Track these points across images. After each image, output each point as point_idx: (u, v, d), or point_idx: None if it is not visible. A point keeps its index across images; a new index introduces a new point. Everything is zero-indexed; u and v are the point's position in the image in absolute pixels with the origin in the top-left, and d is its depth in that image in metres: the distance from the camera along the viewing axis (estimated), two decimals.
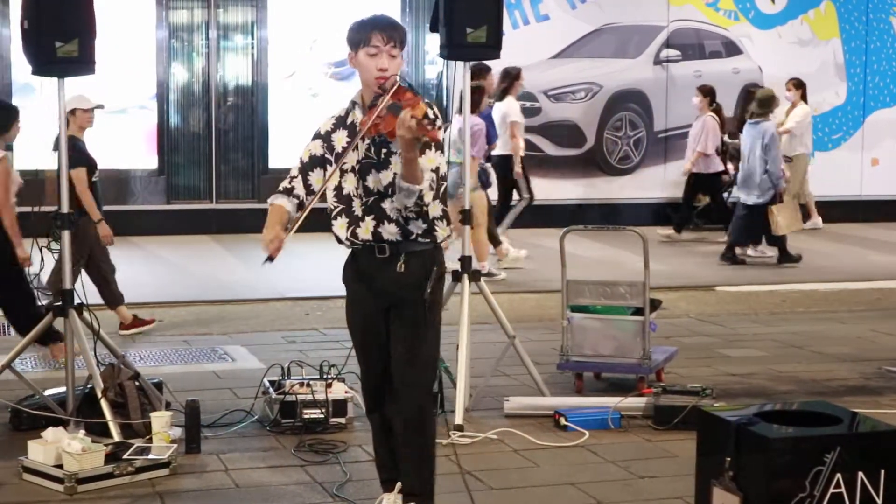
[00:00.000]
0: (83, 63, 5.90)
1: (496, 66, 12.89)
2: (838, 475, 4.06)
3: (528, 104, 15.21)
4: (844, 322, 9.49)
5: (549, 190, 14.45)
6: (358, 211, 4.52)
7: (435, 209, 4.52)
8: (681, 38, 15.95)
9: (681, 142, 15.10)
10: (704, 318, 9.59)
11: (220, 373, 7.47)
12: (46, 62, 5.90)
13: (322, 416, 6.15)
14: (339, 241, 4.62)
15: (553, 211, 14.30)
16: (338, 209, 4.58)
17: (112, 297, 8.58)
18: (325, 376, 6.36)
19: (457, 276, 6.55)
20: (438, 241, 4.58)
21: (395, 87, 4.29)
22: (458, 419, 6.13)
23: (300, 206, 4.60)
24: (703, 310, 9.96)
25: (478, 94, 10.78)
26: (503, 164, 12.15)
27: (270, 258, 4.37)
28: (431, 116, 4.26)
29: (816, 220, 15.34)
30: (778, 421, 4.30)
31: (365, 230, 4.51)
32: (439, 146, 4.50)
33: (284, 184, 4.66)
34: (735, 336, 8.86)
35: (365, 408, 4.89)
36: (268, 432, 6.12)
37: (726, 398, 6.70)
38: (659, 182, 15.79)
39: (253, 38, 14.85)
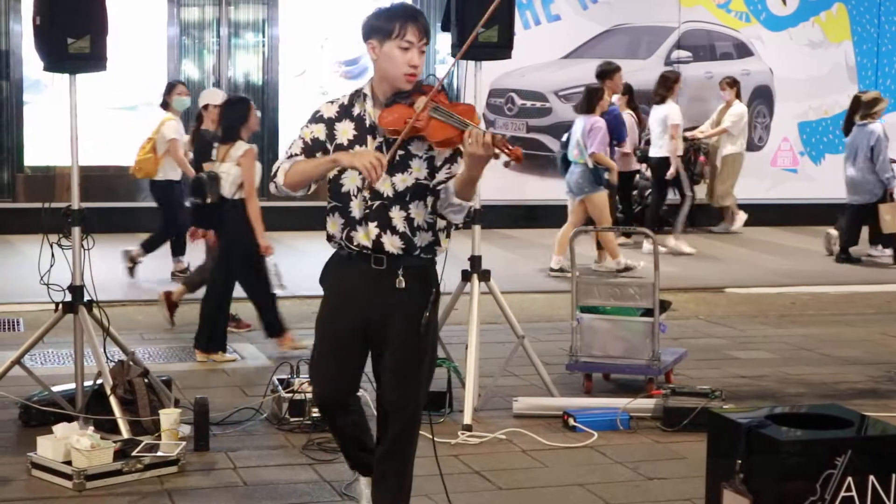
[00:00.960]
0: (95, 60, 5.90)
1: (507, 66, 12.95)
2: (849, 478, 4.06)
3: (538, 104, 15.23)
4: (854, 325, 9.47)
5: (558, 190, 14.41)
6: (356, 213, 4.21)
7: (441, 220, 4.27)
8: (692, 40, 15.94)
9: None
10: (714, 319, 9.57)
11: (229, 370, 7.47)
12: (58, 58, 5.90)
13: None
14: (330, 238, 4.32)
15: (563, 211, 14.27)
16: (331, 206, 4.28)
17: (190, 281, 8.78)
18: None
19: (466, 276, 6.54)
20: (436, 255, 4.33)
21: (436, 90, 4.06)
22: (467, 419, 6.13)
23: None
24: (712, 311, 9.95)
25: (598, 94, 11.13)
26: (663, 165, 12.74)
27: (371, 186, 4.06)
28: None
29: (737, 224, 15.04)
30: (788, 423, 4.29)
31: (364, 236, 4.21)
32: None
33: (284, 157, 4.32)
34: (744, 338, 8.85)
35: (321, 408, 4.67)
36: (276, 430, 6.12)
37: (735, 400, 6.69)
38: None
39: (264, 36, 14.87)
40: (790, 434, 4.19)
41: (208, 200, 7.65)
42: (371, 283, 4.26)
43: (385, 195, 4.21)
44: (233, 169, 7.59)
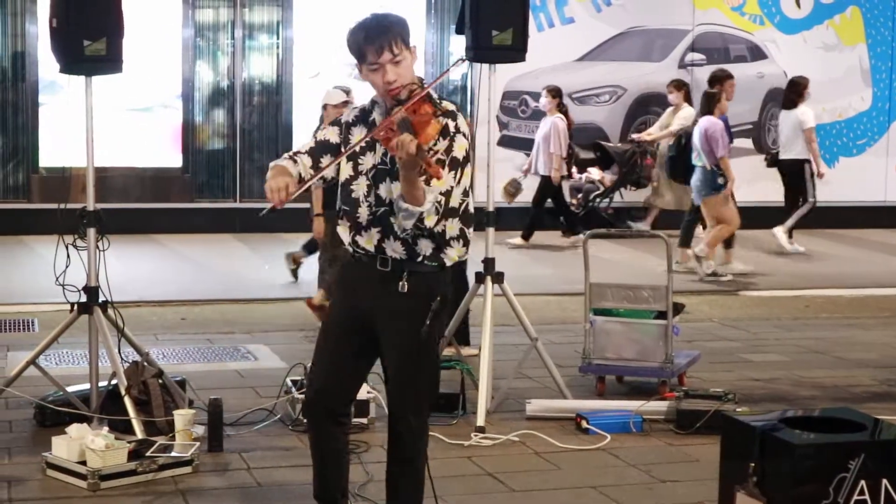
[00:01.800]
0: (111, 61, 5.91)
1: (522, 68, 12.93)
2: (862, 482, 4.06)
3: None
4: (868, 328, 9.45)
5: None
6: (363, 219, 4.23)
7: (452, 229, 4.22)
8: (706, 42, 15.92)
9: None
10: (727, 322, 9.56)
11: (243, 371, 7.49)
12: (74, 60, 5.92)
13: None
14: (342, 242, 4.37)
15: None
16: (342, 210, 4.32)
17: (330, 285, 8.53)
18: None
19: (480, 278, 6.55)
20: (447, 263, 4.27)
21: (413, 100, 4.04)
22: (480, 421, 6.14)
23: (300, 179, 4.25)
24: (726, 314, 9.93)
25: (714, 98, 11.38)
26: (793, 168, 13.06)
27: (273, 209, 4.06)
28: (452, 131, 4.08)
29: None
30: (802, 427, 4.29)
31: (368, 241, 4.23)
32: (466, 162, 4.18)
33: (288, 154, 4.38)
34: (758, 341, 8.83)
35: (307, 410, 4.51)
36: (290, 431, 6.13)
37: (749, 403, 6.68)
38: None
39: (278, 38, 14.90)
40: (803, 437, 4.19)
41: None
42: (376, 285, 4.25)
43: (388, 200, 4.20)
44: None
